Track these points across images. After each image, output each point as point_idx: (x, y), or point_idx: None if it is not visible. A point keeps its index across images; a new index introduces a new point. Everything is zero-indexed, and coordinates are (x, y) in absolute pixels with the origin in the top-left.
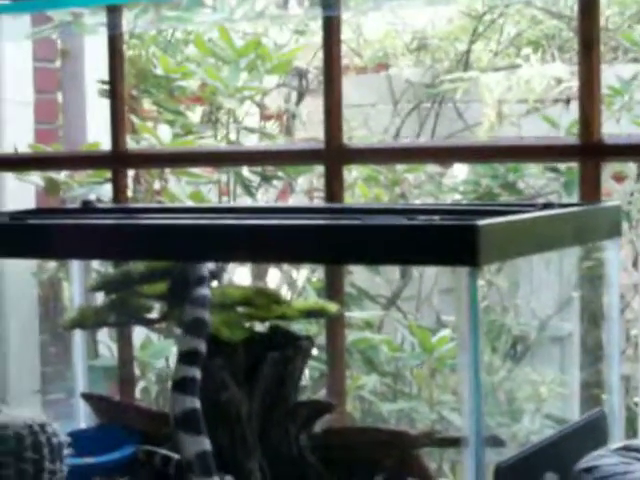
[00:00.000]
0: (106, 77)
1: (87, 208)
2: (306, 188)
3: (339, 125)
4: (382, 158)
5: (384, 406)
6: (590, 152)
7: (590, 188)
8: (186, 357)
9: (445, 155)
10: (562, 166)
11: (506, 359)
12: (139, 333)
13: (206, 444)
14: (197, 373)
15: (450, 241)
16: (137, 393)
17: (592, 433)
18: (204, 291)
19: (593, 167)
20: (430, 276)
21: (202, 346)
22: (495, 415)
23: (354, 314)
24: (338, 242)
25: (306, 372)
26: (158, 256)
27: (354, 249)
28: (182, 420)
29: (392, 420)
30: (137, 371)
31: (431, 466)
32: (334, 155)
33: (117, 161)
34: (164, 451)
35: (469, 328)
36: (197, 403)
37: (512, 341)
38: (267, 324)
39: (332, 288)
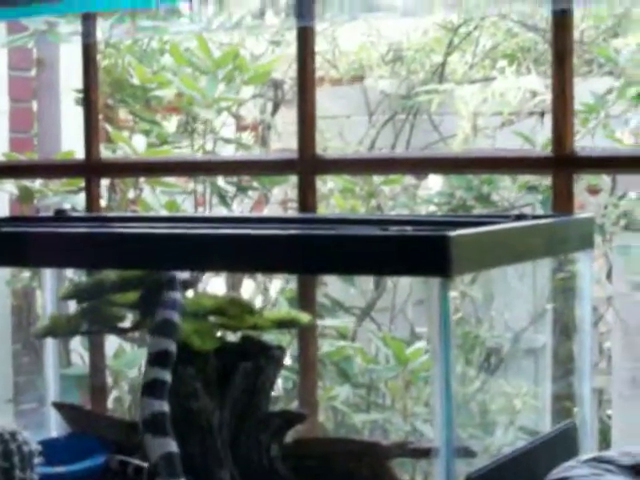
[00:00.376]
0: (81, 86)
1: (60, 217)
2: (281, 199)
3: (312, 135)
4: (356, 169)
5: (357, 417)
6: (563, 164)
7: (563, 200)
8: (156, 359)
9: (419, 166)
10: (539, 183)
11: (480, 371)
12: (112, 342)
13: (172, 446)
14: (167, 375)
15: (422, 251)
16: (110, 403)
17: (563, 444)
18: (175, 294)
19: (566, 179)
20: (404, 287)
21: (172, 347)
22: (468, 427)
23: (327, 322)
24: (311, 252)
25: (279, 382)
26: (131, 265)
27: (327, 259)
28: (150, 423)
29: (365, 431)
30: (110, 380)
31: (403, 477)
32: (307, 165)
33: (90, 170)
34: (137, 461)
35: (441, 339)
36: (166, 407)
37: (486, 353)
38: (239, 334)
39: (304, 298)
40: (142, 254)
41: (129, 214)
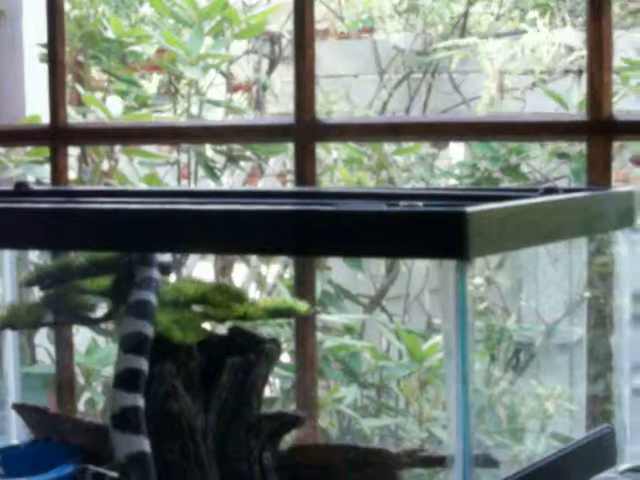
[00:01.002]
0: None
1: (21, 190)
2: (278, 171)
3: (312, 96)
4: (362, 135)
5: (366, 422)
6: (599, 129)
7: (599, 171)
8: (129, 344)
9: (436, 131)
10: (572, 151)
11: (507, 369)
12: (83, 336)
13: (144, 445)
14: (143, 364)
15: (435, 230)
16: (81, 405)
17: (598, 452)
18: (150, 272)
19: (602, 146)
20: (420, 272)
21: (148, 330)
22: (493, 434)
23: (332, 317)
24: (307, 230)
25: (276, 383)
26: (102, 246)
27: (325, 238)
28: (119, 418)
29: (375, 438)
30: (81, 380)
31: None
32: (305, 131)
33: (56, 136)
34: (113, 473)
35: (456, 330)
36: (140, 401)
37: (514, 348)
38: (227, 325)
39: (303, 284)
40: (115, 233)
41: (101, 187)
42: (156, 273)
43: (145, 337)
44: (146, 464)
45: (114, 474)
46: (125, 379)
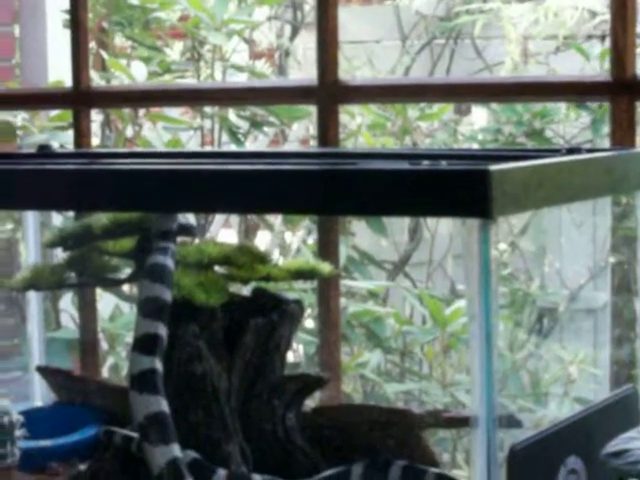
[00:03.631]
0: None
1: (44, 153)
2: (301, 136)
3: (335, 58)
4: (384, 96)
5: (389, 387)
6: (622, 89)
7: (623, 131)
8: (147, 307)
9: (457, 93)
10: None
11: (531, 334)
12: (108, 302)
13: (162, 405)
14: (160, 329)
15: (458, 188)
16: (105, 371)
17: (622, 413)
18: (168, 244)
19: (626, 106)
20: (444, 238)
21: (166, 295)
22: (517, 398)
23: (356, 283)
24: (328, 189)
25: (300, 349)
26: (125, 206)
27: (348, 197)
28: (137, 380)
29: (399, 403)
30: (105, 345)
31: (437, 451)
32: (328, 93)
33: (79, 99)
34: (125, 431)
35: (480, 289)
36: (157, 364)
37: (538, 313)
38: (250, 286)
39: (326, 247)
40: (138, 193)
41: (122, 150)
42: (173, 245)
43: (162, 301)
44: (164, 423)
45: (135, 435)
46: (143, 343)
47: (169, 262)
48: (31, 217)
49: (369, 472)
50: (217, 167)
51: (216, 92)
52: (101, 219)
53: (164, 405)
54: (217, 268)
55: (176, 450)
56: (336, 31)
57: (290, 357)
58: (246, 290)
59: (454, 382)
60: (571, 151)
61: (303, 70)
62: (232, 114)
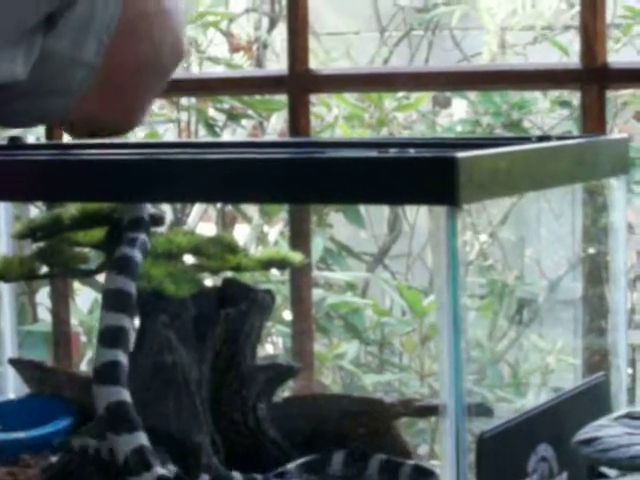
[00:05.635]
0: None
1: (15, 145)
2: (279, 128)
3: (305, 46)
4: (356, 86)
5: (368, 378)
6: (593, 77)
7: (593, 119)
8: (111, 301)
9: (432, 82)
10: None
11: (511, 325)
12: (87, 295)
13: (122, 394)
14: (125, 321)
15: (425, 176)
16: (84, 364)
17: (593, 400)
18: (139, 234)
19: (596, 94)
20: (422, 230)
21: (130, 287)
22: (495, 388)
23: (334, 275)
24: (298, 177)
25: (279, 342)
26: (95, 197)
27: (316, 185)
28: (100, 372)
29: (378, 394)
30: (84, 338)
31: (414, 442)
32: (298, 82)
33: None
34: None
35: (447, 278)
36: (121, 356)
37: (517, 304)
38: (220, 276)
39: (297, 236)
40: (108, 183)
41: (94, 141)
42: (143, 236)
43: (127, 295)
44: (126, 411)
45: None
46: (106, 336)
47: (136, 253)
48: (2, 209)
49: (349, 461)
50: (186, 157)
51: (187, 82)
52: (70, 210)
53: (125, 395)
54: (187, 258)
55: (141, 438)
56: (306, 20)
57: (269, 349)
58: (216, 280)
59: (432, 372)
60: (541, 139)
61: (281, 62)
62: (210, 107)
